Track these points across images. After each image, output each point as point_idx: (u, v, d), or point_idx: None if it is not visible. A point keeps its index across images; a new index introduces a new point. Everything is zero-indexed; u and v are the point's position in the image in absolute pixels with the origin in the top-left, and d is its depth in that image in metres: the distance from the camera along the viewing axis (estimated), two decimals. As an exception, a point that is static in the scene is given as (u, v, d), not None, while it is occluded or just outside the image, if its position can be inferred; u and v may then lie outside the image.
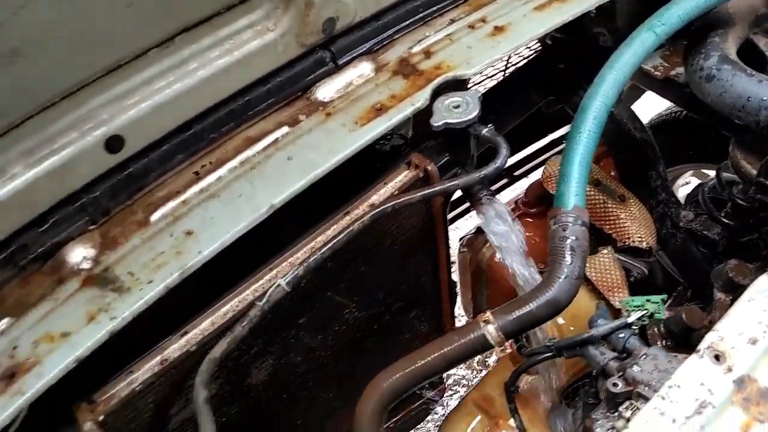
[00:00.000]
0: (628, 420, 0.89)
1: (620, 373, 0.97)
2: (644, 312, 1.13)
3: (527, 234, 1.28)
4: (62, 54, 0.95)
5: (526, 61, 1.93)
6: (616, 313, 1.35)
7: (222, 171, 1.16)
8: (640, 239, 1.57)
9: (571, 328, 1.43)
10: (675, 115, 2.16)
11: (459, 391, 2.94)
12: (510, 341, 1.04)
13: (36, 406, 0.92)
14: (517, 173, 2.55)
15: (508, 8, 1.38)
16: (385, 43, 1.34)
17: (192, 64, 1.11)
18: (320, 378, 1.39)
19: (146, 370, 1.03)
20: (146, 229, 1.09)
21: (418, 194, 1.17)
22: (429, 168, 1.23)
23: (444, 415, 2.50)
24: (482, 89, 1.86)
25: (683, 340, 1.15)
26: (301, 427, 1.45)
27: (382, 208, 1.14)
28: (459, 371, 3.03)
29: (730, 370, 0.86)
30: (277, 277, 1.11)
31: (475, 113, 1.18)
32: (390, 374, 1.01)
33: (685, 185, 2.49)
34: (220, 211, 1.10)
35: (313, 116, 1.23)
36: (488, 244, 1.68)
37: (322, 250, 1.11)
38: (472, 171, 1.23)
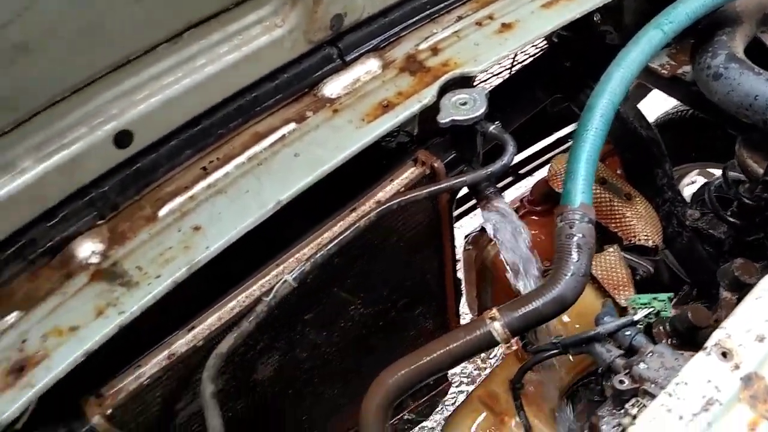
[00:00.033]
0: (634, 417, 0.89)
1: (627, 371, 0.97)
2: (651, 310, 1.13)
3: (533, 232, 1.28)
4: (71, 49, 0.95)
5: (532, 59, 1.93)
6: (622, 312, 1.35)
7: (229, 167, 1.16)
8: (646, 238, 1.56)
9: (577, 326, 1.43)
10: (681, 114, 2.15)
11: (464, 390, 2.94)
12: (516, 338, 1.04)
13: (44, 400, 0.93)
14: (522, 171, 2.54)
15: (515, 5, 1.37)
16: (392, 39, 1.34)
17: (200, 59, 1.12)
18: (326, 374, 1.39)
19: (154, 364, 1.04)
20: (154, 224, 1.10)
21: (425, 191, 1.17)
22: (435, 165, 1.23)
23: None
24: (488, 87, 1.86)
25: (689, 339, 1.14)
26: (306, 422, 1.46)
27: (388, 204, 1.15)
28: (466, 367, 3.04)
29: (737, 367, 0.86)
30: (284, 272, 1.11)
31: (482, 110, 1.18)
32: (395, 370, 1.02)
33: (691, 184, 2.48)
34: (227, 206, 1.10)
35: (320, 113, 1.23)
36: (493, 242, 1.68)
37: (329, 247, 1.11)
38: (479, 168, 1.23)
